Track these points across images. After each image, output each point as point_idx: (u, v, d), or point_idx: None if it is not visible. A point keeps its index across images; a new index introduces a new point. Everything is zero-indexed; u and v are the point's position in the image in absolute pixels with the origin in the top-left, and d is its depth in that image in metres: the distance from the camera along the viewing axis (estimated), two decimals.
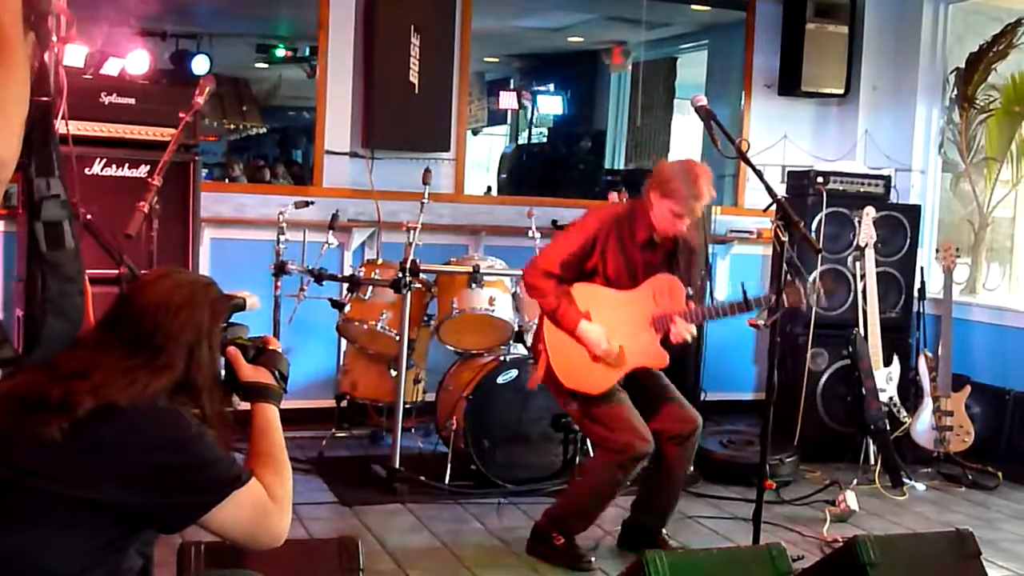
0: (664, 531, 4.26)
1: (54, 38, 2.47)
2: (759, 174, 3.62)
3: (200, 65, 7.42)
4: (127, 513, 1.91)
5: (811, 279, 4.03)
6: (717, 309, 4.00)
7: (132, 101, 4.62)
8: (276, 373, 2.21)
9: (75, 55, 4.63)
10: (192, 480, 1.94)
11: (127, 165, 4.59)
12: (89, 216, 3.44)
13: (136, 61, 5.04)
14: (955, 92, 6.71)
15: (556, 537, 4.10)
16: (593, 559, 4.10)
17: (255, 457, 2.11)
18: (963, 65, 6.64)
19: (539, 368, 4.17)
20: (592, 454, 4.75)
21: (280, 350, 2.26)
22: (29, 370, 1.99)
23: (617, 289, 4.01)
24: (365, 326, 5.22)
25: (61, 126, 2.95)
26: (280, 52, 8.52)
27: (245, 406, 2.20)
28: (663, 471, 4.17)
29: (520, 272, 4.41)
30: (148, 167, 4.48)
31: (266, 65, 8.87)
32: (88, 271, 2.64)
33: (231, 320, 2.20)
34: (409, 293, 4.90)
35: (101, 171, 4.54)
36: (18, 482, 1.87)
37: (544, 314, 4.08)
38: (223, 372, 2.16)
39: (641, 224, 3.97)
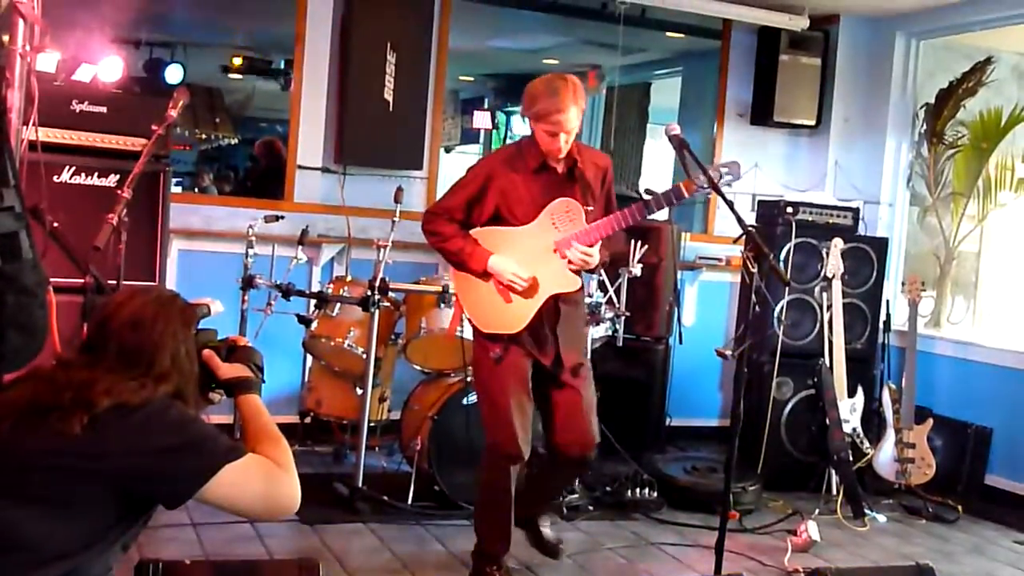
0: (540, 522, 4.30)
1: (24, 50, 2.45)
2: (730, 204, 3.62)
3: (173, 74, 7.38)
4: (129, 486, 2.03)
5: None
6: (627, 215, 3.74)
7: (104, 110, 4.57)
8: (252, 366, 2.36)
9: (47, 61, 4.58)
10: (193, 452, 2.07)
11: (96, 174, 4.54)
12: (56, 224, 3.39)
13: (109, 68, 4.99)
14: (924, 127, 6.80)
15: (491, 572, 3.98)
16: None
17: (251, 438, 2.25)
18: (933, 101, 6.72)
19: (454, 316, 4.11)
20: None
21: (250, 344, 2.41)
22: (23, 385, 2.10)
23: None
24: (332, 343, 5.19)
25: (31, 132, 2.92)
26: (238, 61, 8.46)
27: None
28: (542, 473, 4.19)
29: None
30: (117, 176, 4.43)
31: (240, 76, 8.81)
32: (53, 280, 2.60)
33: (199, 327, 2.32)
34: (377, 311, 4.88)
35: (70, 179, 4.49)
36: (29, 464, 1.99)
37: (449, 259, 3.93)
38: (199, 373, 2.28)
39: (532, 152, 3.82)
